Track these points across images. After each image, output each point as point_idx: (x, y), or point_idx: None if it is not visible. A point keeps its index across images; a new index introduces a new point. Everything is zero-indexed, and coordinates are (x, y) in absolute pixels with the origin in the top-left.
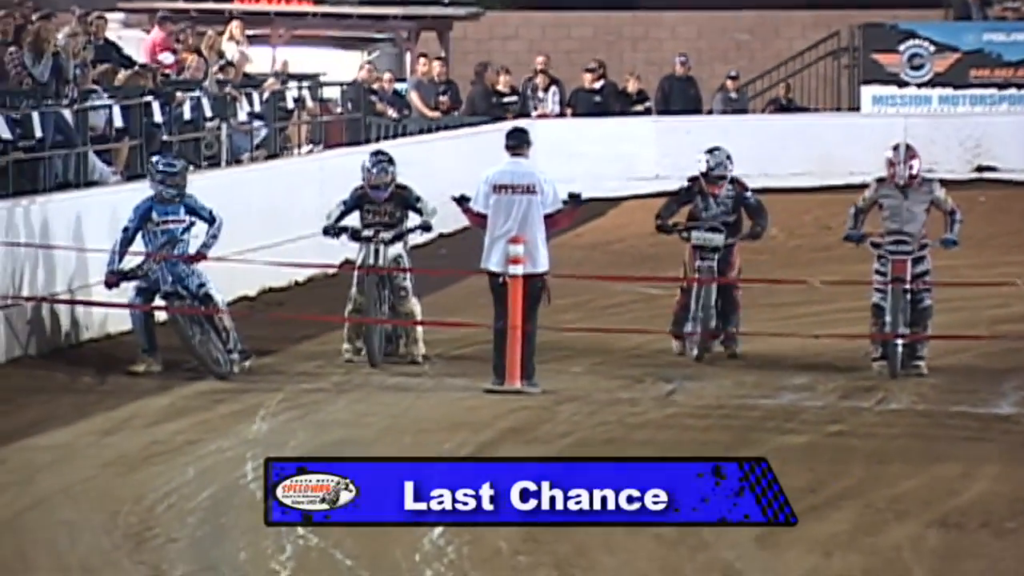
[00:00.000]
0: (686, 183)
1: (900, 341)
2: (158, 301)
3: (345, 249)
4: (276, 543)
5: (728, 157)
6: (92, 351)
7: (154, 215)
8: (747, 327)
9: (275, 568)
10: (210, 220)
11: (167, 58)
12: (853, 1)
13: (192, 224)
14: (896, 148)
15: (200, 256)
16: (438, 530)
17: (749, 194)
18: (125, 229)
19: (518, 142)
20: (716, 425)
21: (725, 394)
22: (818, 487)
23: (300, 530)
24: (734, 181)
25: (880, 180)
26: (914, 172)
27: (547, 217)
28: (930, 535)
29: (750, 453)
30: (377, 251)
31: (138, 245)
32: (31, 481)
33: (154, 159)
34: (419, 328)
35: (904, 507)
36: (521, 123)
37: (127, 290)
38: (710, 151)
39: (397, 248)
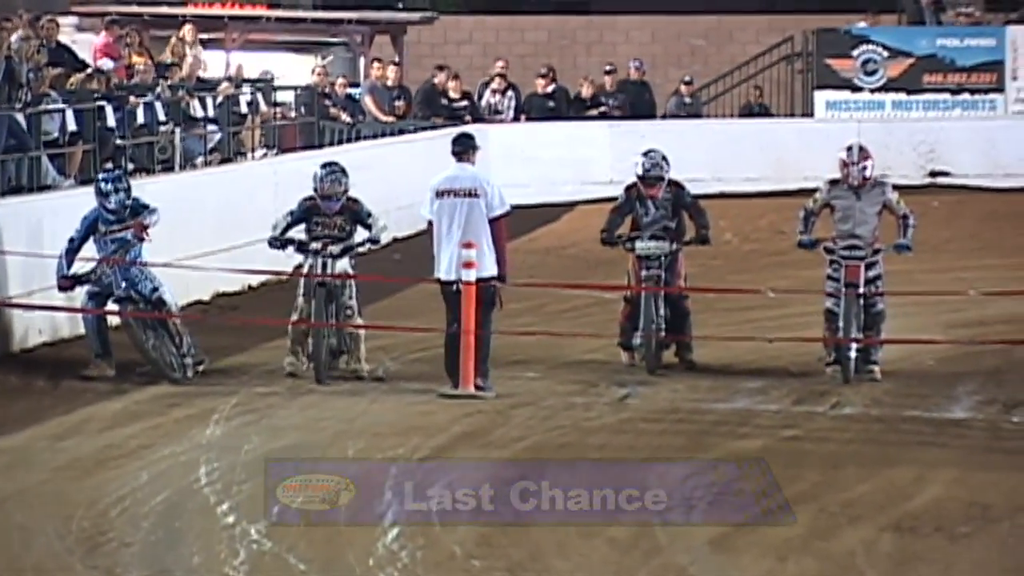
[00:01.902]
0: (623, 193)
1: (854, 346)
2: (111, 305)
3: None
4: (230, 547)
5: (664, 158)
6: (45, 355)
7: (100, 226)
8: (701, 331)
9: (229, 572)
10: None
11: (106, 64)
12: (807, 6)
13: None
14: (850, 149)
15: (141, 226)
16: (392, 533)
17: (685, 192)
18: (71, 239)
19: (463, 148)
20: (670, 430)
21: (679, 398)
22: (772, 492)
23: (254, 534)
24: (671, 183)
25: (833, 182)
26: (867, 173)
27: (492, 222)
28: (884, 539)
29: (705, 457)
30: (325, 264)
31: (91, 250)
32: None
33: (99, 176)
34: (363, 345)
35: (858, 512)
36: (475, 128)
37: (80, 294)
38: (645, 153)
39: (344, 263)
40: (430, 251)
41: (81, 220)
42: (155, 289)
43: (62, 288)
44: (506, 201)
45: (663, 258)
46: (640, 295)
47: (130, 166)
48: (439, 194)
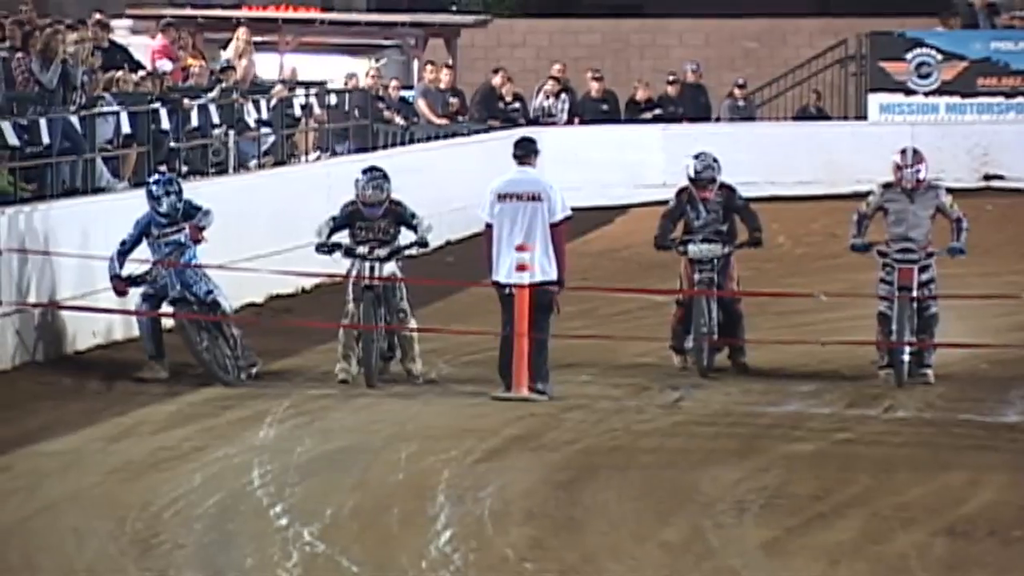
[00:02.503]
0: (674, 197)
1: (907, 349)
2: (165, 307)
3: None
4: (283, 550)
5: (715, 160)
6: (99, 357)
7: (153, 229)
8: (754, 335)
9: (281, 575)
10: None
11: (165, 65)
12: (861, 9)
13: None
14: (904, 152)
15: (196, 228)
16: (445, 536)
17: (736, 195)
18: (123, 242)
19: (525, 151)
20: (723, 433)
21: (732, 401)
22: (825, 495)
23: (307, 536)
24: (722, 186)
25: (886, 185)
26: (921, 176)
27: (553, 226)
28: (937, 543)
29: (758, 460)
30: (372, 268)
31: (145, 253)
32: (38, 487)
33: (150, 180)
34: (416, 346)
35: (911, 515)
36: (528, 131)
37: (134, 296)
38: (696, 156)
39: (391, 266)
40: (483, 254)
41: (134, 223)
42: (210, 291)
43: (118, 292)
44: (567, 206)
45: (715, 261)
46: (692, 298)
47: (184, 169)
48: (501, 197)
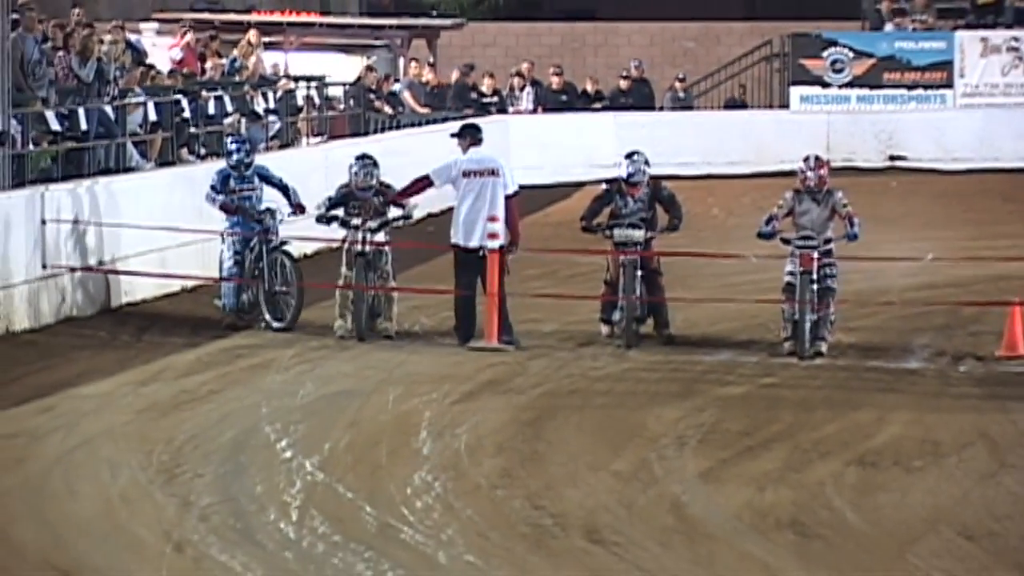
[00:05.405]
0: (605, 186)
1: (808, 320)
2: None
3: None
4: (287, 478)
5: (645, 162)
6: (129, 313)
7: (231, 183)
8: (692, 294)
9: (286, 499)
10: (282, 187)
11: (176, 54)
12: (784, 13)
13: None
14: (807, 158)
15: (299, 207)
16: (426, 467)
17: (662, 187)
18: (212, 187)
19: (476, 135)
20: (666, 378)
21: (673, 351)
22: (753, 431)
23: (308, 467)
24: (649, 179)
25: (796, 191)
26: (823, 175)
27: (508, 199)
28: (849, 472)
29: (695, 401)
30: (365, 236)
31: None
32: (77, 424)
33: (228, 139)
34: (395, 307)
35: (827, 448)
36: (500, 119)
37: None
38: (629, 156)
39: (381, 236)
40: (411, 191)
41: (216, 172)
42: (285, 243)
43: (224, 209)
44: (516, 181)
45: (639, 245)
46: (618, 280)
47: (202, 151)
48: (467, 174)
